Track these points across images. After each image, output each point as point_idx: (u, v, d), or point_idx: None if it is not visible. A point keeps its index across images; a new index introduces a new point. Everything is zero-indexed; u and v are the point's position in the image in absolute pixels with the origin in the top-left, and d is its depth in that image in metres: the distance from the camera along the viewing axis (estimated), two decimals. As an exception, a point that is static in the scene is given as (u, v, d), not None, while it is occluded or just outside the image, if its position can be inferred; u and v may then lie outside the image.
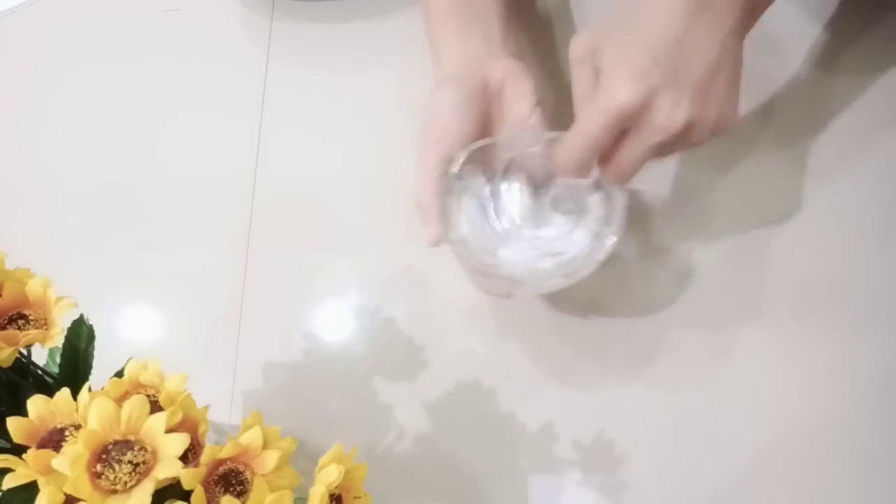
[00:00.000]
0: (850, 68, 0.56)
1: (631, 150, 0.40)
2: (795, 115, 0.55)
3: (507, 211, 0.45)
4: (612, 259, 0.43)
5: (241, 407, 0.52)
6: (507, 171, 0.46)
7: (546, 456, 0.48)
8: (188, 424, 0.31)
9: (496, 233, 0.45)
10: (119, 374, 0.34)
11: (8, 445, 0.30)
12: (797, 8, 0.57)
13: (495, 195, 0.46)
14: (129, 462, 0.27)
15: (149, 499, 0.27)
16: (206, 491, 0.30)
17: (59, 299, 0.34)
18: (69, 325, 0.38)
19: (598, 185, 0.44)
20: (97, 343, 0.39)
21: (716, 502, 0.46)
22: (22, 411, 0.30)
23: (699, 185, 0.54)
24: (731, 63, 0.39)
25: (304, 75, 0.64)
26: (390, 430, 0.50)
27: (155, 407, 0.30)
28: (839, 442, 0.46)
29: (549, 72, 0.59)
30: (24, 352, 0.36)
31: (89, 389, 0.30)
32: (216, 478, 0.31)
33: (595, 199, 0.44)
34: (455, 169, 0.44)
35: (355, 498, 0.34)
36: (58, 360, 0.38)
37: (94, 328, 0.39)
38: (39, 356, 0.39)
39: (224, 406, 0.52)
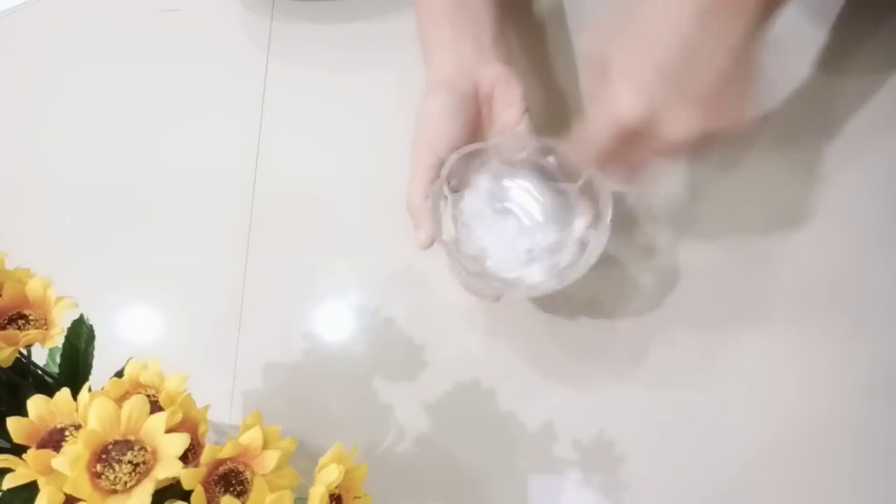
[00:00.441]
0: (850, 69, 0.56)
1: (637, 156, 0.40)
2: (795, 116, 0.55)
3: (496, 215, 0.45)
4: (612, 259, 0.43)
5: (241, 407, 0.52)
6: (497, 176, 0.46)
7: (546, 456, 0.48)
8: (188, 424, 0.31)
9: (487, 237, 0.45)
10: (119, 374, 0.34)
11: (8, 445, 0.30)
12: (797, 8, 0.57)
13: (486, 199, 0.46)
14: (129, 462, 0.27)
15: (149, 499, 0.27)
16: (206, 491, 0.30)
17: (59, 299, 0.34)
18: (69, 325, 0.38)
19: (585, 189, 0.45)
20: (97, 343, 0.39)
21: (716, 502, 0.46)
22: (22, 411, 0.30)
23: (698, 185, 0.54)
24: (745, 67, 0.38)
25: (304, 75, 0.64)
26: (390, 430, 0.50)
27: (155, 407, 0.30)
28: (839, 442, 0.46)
29: (541, 77, 0.59)
30: (24, 352, 0.36)
31: (89, 389, 0.30)
32: (216, 478, 0.31)
33: (583, 203, 0.45)
34: (445, 173, 0.44)
35: (355, 498, 0.34)
36: (58, 360, 0.38)
37: (94, 328, 0.39)
38: (39, 356, 0.39)
39: (224, 406, 0.52)
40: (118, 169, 0.62)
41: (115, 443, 0.28)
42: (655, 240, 0.53)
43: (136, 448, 0.28)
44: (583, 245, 0.44)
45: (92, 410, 0.28)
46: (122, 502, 0.27)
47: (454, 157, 0.45)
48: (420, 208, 0.45)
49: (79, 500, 0.27)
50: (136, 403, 0.29)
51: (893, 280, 0.50)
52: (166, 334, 0.56)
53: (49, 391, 0.31)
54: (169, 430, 0.29)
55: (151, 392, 0.32)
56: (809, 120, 0.55)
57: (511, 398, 0.50)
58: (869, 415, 0.47)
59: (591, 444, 0.48)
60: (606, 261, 0.43)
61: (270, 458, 0.31)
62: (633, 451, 0.47)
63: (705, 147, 0.39)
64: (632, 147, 0.39)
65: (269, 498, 0.30)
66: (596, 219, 0.44)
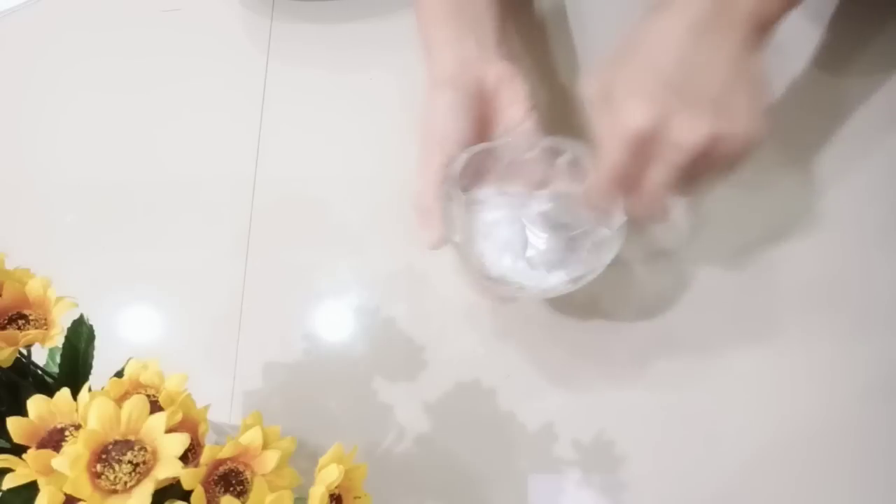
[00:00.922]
0: (850, 70, 0.56)
1: (656, 174, 0.39)
2: (795, 117, 0.55)
3: (507, 217, 0.45)
4: (614, 261, 0.43)
5: (241, 407, 0.52)
6: (507, 176, 0.46)
7: (546, 456, 0.48)
8: (188, 424, 0.31)
9: (498, 239, 0.45)
10: (119, 374, 0.34)
11: (8, 445, 0.30)
12: (797, 9, 0.57)
13: (496, 200, 0.46)
14: (129, 462, 0.27)
15: (149, 499, 0.27)
16: (206, 491, 0.30)
17: (59, 299, 0.34)
18: (69, 325, 0.38)
19: None
20: (97, 343, 0.39)
21: (716, 502, 0.46)
22: (22, 411, 0.30)
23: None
24: (747, 77, 0.38)
25: (304, 75, 0.64)
26: (390, 430, 0.50)
27: (155, 407, 0.30)
28: (839, 442, 0.46)
29: (544, 76, 0.59)
30: (24, 352, 0.36)
31: (89, 389, 0.30)
32: (216, 478, 0.31)
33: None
34: (457, 171, 0.44)
35: (355, 498, 0.34)
36: (58, 360, 0.38)
37: (94, 328, 0.39)
38: (39, 356, 0.39)
39: (224, 406, 0.52)
40: (118, 169, 0.62)
41: (115, 443, 0.28)
42: (656, 241, 0.53)
43: (136, 448, 0.28)
44: (597, 246, 0.44)
45: (92, 410, 0.28)
46: (122, 502, 0.27)
47: (464, 156, 0.44)
48: (431, 209, 0.44)
49: (79, 500, 0.27)
50: (136, 403, 0.29)
51: (893, 281, 0.50)
52: (166, 334, 0.56)
53: (49, 391, 0.31)
54: (169, 430, 0.29)
55: (151, 392, 0.32)
56: (809, 121, 0.55)
57: (511, 398, 0.50)
58: (869, 415, 0.47)
59: (591, 444, 0.48)
60: (608, 263, 0.43)
61: (270, 458, 0.31)
62: (633, 451, 0.47)
63: (724, 162, 0.39)
64: (649, 165, 0.39)
65: (269, 498, 0.30)
66: (609, 221, 0.44)
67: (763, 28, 0.39)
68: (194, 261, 0.57)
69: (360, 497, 0.34)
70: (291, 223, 0.58)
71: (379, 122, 0.60)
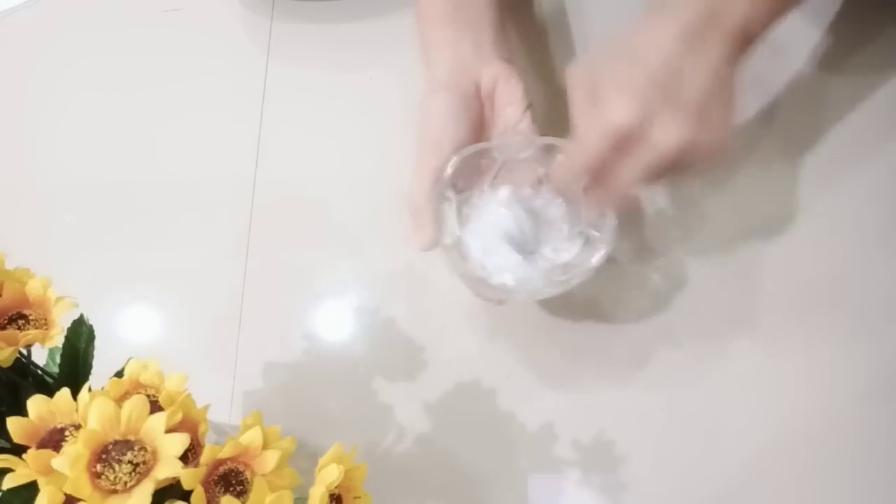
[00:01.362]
0: (849, 70, 0.56)
1: (626, 169, 0.40)
2: (795, 117, 0.55)
3: (499, 219, 0.45)
4: (612, 260, 0.43)
5: (241, 407, 0.52)
6: (500, 178, 0.46)
7: (546, 456, 0.48)
8: (188, 424, 0.31)
9: (489, 241, 0.45)
10: (119, 374, 0.34)
11: (8, 445, 0.30)
12: (797, 10, 0.57)
13: (489, 202, 0.46)
14: (129, 462, 0.27)
15: (149, 499, 0.27)
16: (206, 491, 0.30)
17: (59, 299, 0.34)
18: (69, 325, 0.38)
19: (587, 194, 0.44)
20: (97, 343, 0.39)
21: (715, 502, 0.46)
22: (22, 411, 0.30)
23: (698, 186, 0.54)
24: (724, 89, 0.40)
25: (304, 75, 0.64)
26: (390, 430, 0.50)
27: (155, 407, 0.30)
28: (839, 442, 0.46)
29: (543, 77, 0.59)
30: (24, 352, 0.36)
31: (89, 389, 0.30)
32: (216, 478, 0.31)
33: (588, 206, 0.44)
34: (448, 173, 0.44)
35: (355, 498, 0.34)
36: (58, 360, 0.38)
37: (94, 328, 0.39)
38: (39, 356, 0.39)
39: (224, 406, 0.52)
40: (118, 169, 0.62)
41: (115, 443, 0.28)
42: (655, 240, 0.53)
43: (136, 448, 0.28)
44: (587, 249, 0.44)
45: (92, 410, 0.28)
46: (122, 502, 0.27)
47: (457, 157, 0.44)
48: (423, 210, 0.44)
49: (79, 500, 0.27)
50: (136, 403, 0.29)
51: (893, 281, 0.50)
52: (166, 334, 0.56)
53: (49, 391, 0.31)
54: (169, 430, 0.29)
55: (151, 392, 0.32)
56: (809, 121, 0.55)
57: (511, 398, 0.50)
58: (869, 415, 0.47)
59: (591, 444, 0.48)
60: (606, 262, 0.43)
61: (270, 458, 0.31)
62: (633, 451, 0.47)
63: (686, 167, 0.40)
64: (622, 160, 0.40)
65: (269, 498, 0.30)
66: (599, 222, 0.44)
67: (747, 42, 0.40)
68: (194, 261, 0.57)
69: (360, 497, 0.34)
70: (291, 223, 0.58)
71: (379, 122, 0.60)
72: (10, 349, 0.32)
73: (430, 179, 0.44)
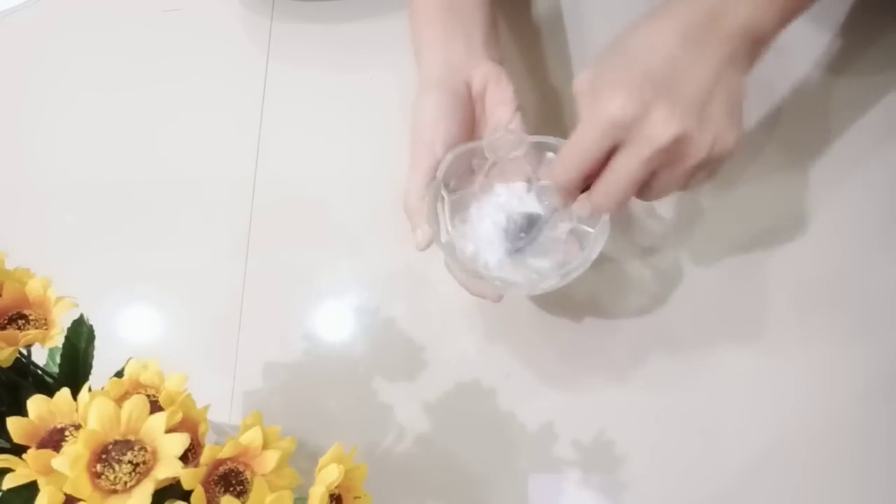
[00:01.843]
0: (850, 71, 0.56)
1: (621, 164, 0.39)
2: (795, 118, 0.55)
3: (493, 216, 0.45)
4: (612, 260, 0.43)
5: (241, 407, 0.52)
6: (493, 176, 0.46)
7: (546, 456, 0.48)
8: (188, 424, 0.31)
9: (484, 237, 0.45)
10: (119, 374, 0.34)
11: (8, 445, 0.30)
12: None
13: (483, 200, 0.46)
14: (129, 462, 0.27)
15: (149, 499, 0.27)
16: (206, 491, 0.30)
17: (59, 299, 0.34)
18: (69, 325, 0.38)
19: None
20: (97, 343, 0.39)
21: (715, 502, 0.46)
22: (22, 411, 0.30)
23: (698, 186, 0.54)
24: (727, 89, 0.39)
25: (304, 75, 0.64)
26: (390, 430, 0.50)
27: (155, 407, 0.30)
28: (839, 442, 0.46)
29: (537, 78, 0.59)
30: (24, 352, 0.36)
31: (89, 389, 0.30)
32: (216, 478, 0.31)
33: (580, 201, 0.44)
34: (441, 173, 0.44)
35: (355, 498, 0.34)
36: (58, 360, 0.38)
37: (94, 328, 0.39)
38: (39, 356, 0.39)
39: (224, 406, 0.52)
40: (118, 169, 0.62)
41: (115, 443, 0.28)
42: (655, 240, 0.53)
43: (136, 448, 0.28)
44: (583, 242, 0.44)
45: (92, 410, 0.28)
46: (122, 502, 0.27)
47: (449, 156, 0.45)
48: (417, 209, 0.45)
49: (79, 500, 0.27)
50: (136, 403, 0.29)
51: (893, 281, 0.50)
52: (166, 334, 0.56)
53: (49, 391, 0.31)
54: (169, 430, 0.29)
55: (151, 392, 0.32)
56: (810, 121, 0.55)
57: (511, 398, 0.50)
58: (869, 415, 0.47)
59: (591, 444, 0.48)
60: (606, 261, 0.43)
61: (270, 458, 0.31)
62: (632, 451, 0.47)
63: (689, 166, 0.39)
64: (617, 157, 0.39)
65: (269, 498, 0.30)
66: (594, 216, 0.44)
67: (753, 46, 0.40)
68: (194, 261, 0.57)
69: (360, 497, 0.34)
70: (291, 223, 0.58)
71: (379, 122, 0.60)
72: (10, 349, 0.32)
73: (424, 179, 0.45)
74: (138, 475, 0.28)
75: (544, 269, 0.44)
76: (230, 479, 0.31)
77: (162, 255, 0.58)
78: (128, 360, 0.33)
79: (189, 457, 0.30)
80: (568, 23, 0.62)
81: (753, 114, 0.55)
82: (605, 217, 0.43)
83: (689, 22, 0.39)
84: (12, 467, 0.28)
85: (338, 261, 0.56)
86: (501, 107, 0.47)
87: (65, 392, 0.31)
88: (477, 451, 0.49)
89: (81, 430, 0.28)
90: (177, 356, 0.34)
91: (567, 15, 0.62)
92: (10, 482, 0.28)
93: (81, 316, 0.39)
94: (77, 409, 0.30)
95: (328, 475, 0.32)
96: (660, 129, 0.37)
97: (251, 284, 0.56)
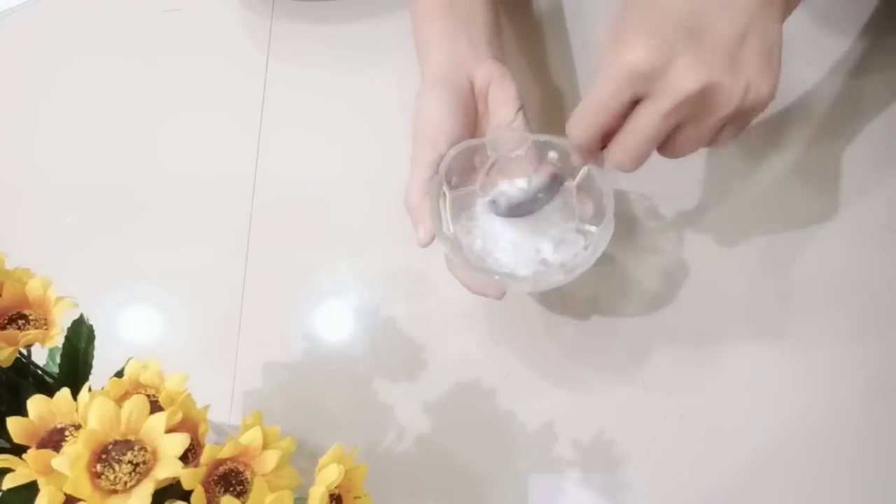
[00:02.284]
0: (850, 71, 0.56)
1: (642, 117, 0.36)
2: (797, 117, 0.55)
3: (496, 213, 0.45)
4: (612, 259, 0.43)
5: (241, 407, 0.52)
6: (496, 173, 0.46)
7: (546, 456, 0.48)
8: (188, 424, 0.31)
9: (488, 234, 0.45)
10: (119, 374, 0.34)
11: (8, 445, 0.30)
12: (803, 10, 0.57)
13: (485, 197, 0.46)
14: (129, 462, 0.27)
15: (149, 499, 0.27)
16: (206, 491, 0.30)
17: (59, 299, 0.34)
18: (69, 325, 0.38)
19: (584, 185, 0.44)
20: (97, 343, 0.39)
21: (715, 502, 0.46)
22: (22, 411, 0.30)
23: (698, 185, 0.54)
24: (762, 33, 0.36)
25: (304, 75, 0.64)
26: (390, 430, 0.50)
27: (155, 407, 0.30)
28: (839, 442, 0.46)
29: (539, 77, 0.59)
30: (24, 352, 0.36)
31: (89, 389, 0.30)
32: (216, 478, 0.31)
33: (583, 197, 0.44)
34: (443, 169, 0.44)
35: (355, 498, 0.34)
36: (58, 360, 0.38)
37: (94, 328, 0.39)
38: (39, 356, 0.39)
39: (224, 406, 0.52)
40: (118, 169, 0.62)
41: (115, 443, 0.28)
42: (655, 240, 0.53)
43: (136, 448, 0.28)
44: (587, 238, 0.44)
45: (92, 410, 0.28)
46: (122, 502, 0.27)
47: (452, 153, 0.44)
48: (419, 206, 0.44)
49: (79, 500, 0.27)
50: (136, 403, 0.29)
51: (893, 281, 0.50)
52: (166, 334, 0.56)
53: (49, 391, 0.31)
54: (169, 430, 0.29)
55: (151, 392, 0.32)
56: (810, 121, 0.55)
57: (511, 398, 0.50)
58: (869, 415, 0.47)
59: (591, 444, 0.48)
60: (606, 260, 0.43)
61: (270, 458, 0.31)
62: (633, 451, 0.47)
63: (721, 115, 0.36)
64: (639, 109, 0.36)
65: (269, 498, 0.30)
66: (598, 212, 0.44)
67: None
68: (194, 261, 0.57)
69: (360, 497, 0.34)
70: (291, 223, 0.58)
71: (379, 123, 0.60)
72: (10, 349, 0.32)
73: (426, 175, 0.44)
74: (138, 475, 0.28)
75: (549, 265, 0.44)
76: (230, 479, 0.31)
77: (162, 255, 0.58)
78: (128, 360, 0.33)
79: (189, 457, 0.30)
80: (569, 21, 0.62)
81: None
82: (610, 215, 0.42)
83: None
84: (12, 467, 0.28)
85: (338, 261, 0.56)
86: (504, 105, 0.46)
87: (65, 392, 0.31)
88: (477, 451, 0.49)
89: (81, 430, 0.28)
90: (177, 356, 0.34)
91: (569, 13, 0.62)
92: (10, 482, 0.28)
93: (81, 316, 0.39)
94: (77, 409, 0.30)
95: (328, 475, 0.32)
96: (685, 77, 0.34)
97: (251, 284, 0.56)
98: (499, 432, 0.49)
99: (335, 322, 0.55)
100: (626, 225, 0.53)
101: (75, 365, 0.38)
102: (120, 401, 0.29)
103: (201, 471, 0.29)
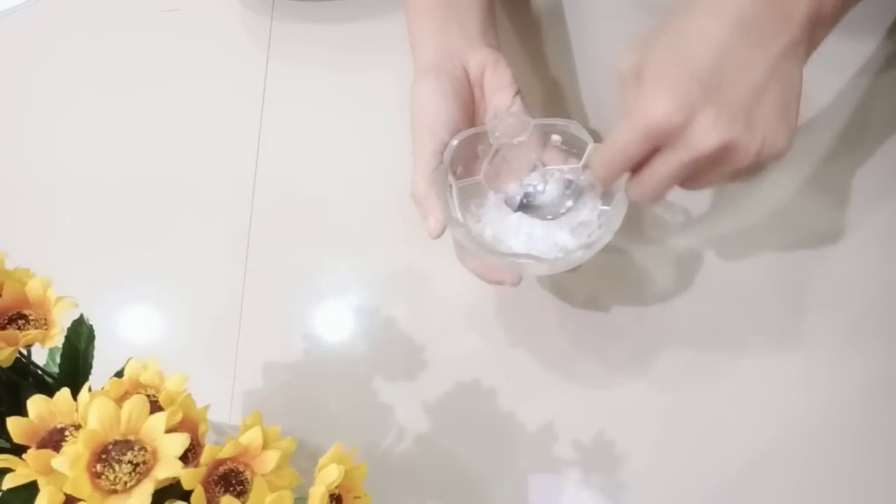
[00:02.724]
0: (850, 72, 0.56)
1: (661, 165, 0.37)
2: (801, 120, 0.55)
3: (505, 199, 0.45)
4: (612, 260, 0.43)
5: (241, 407, 0.52)
6: (495, 161, 0.46)
7: (546, 456, 0.48)
8: (188, 424, 0.31)
9: (498, 221, 0.45)
10: (119, 374, 0.34)
11: (8, 445, 0.30)
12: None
13: (492, 183, 0.46)
14: (129, 462, 0.27)
15: (149, 499, 0.27)
16: (206, 491, 0.30)
17: (59, 299, 0.34)
18: (69, 325, 0.38)
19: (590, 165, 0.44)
20: (97, 343, 0.39)
21: (716, 502, 0.46)
22: (22, 411, 0.30)
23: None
24: (782, 85, 0.37)
25: (304, 75, 0.64)
26: (390, 430, 0.50)
27: (155, 407, 0.30)
28: (839, 442, 0.46)
29: (538, 69, 0.59)
30: (24, 352, 0.36)
31: (89, 389, 0.30)
32: (216, 478, 0.31)
33: (591, 175, 0.44)
34: (447, 159, 0.44)
35: (355, 498, 0.34)
36: (58, 360, 0.38)
37: (94, 328, 0.39)
38: (39, 356, 0.39)
39: (224, 406, 0.52)
40: (118, 169, 0.62)
41: (115, 443, 0.28)
42: (655, 240, 0.53)
43: (136, 448, 0.28)
44: (600, 216, 0.43)
45: (92, 410, 0.28)
46: (122, 502, 0.27)
47: (455, 141, 0.44)
48: (426, 196, 0.43)
49: (79, 500, 0.27)
50: (136, 403, 0.29)
51: (893, 281, 0.50)
52: (166, 334, 0.56)
53: (49, 391, 0.31)
54: (169, 430, 0.29)
55: (151, 392, 0.32)
56: (811, 122, 0.55)
57: (511, 398, 0.50)
58: (869, 415, 0.47)
59: (591, 444, 0.48)
60: (606, 260, 0.43)
61: (270, 458, 0.31)
62: (633, 451, 0.47)
63: (738, 168, 0.37)
64: (658, 156, 0.38)
65: (269, 498, 0.30)
66: (607, 189, 0.43)
67: (814, 31, 0.37)
68: (194, 261, 0.57)
69: (360, 497, 0.34)
70: (291, 223, 0.58)
71: (378, 122, 0.60)
72: (10, 349, 0.32)
73: (430, 165, 0.44)
74: (138, 475, 0.28)
75: (570, 248, 0.43)
76: (230, 479, 0.31)
77: (162, 255, 0.58)
78: (128, 360, 0.33)
79: (189, 457, 0.30)
80: (568, 14, 0.62)
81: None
82: (622, 191, 0.41)
83: (745, 11, 0.36)
84: (12, 467, 0.28)
85: (338, 261, 0.56)
86: (501, 91, 0.46)
87: (65, 392, 0.31)
88: (477, 451, 0.49)
89: (81, 430, 0.28)
90: (177, 356, 0.34)
91: (567, 6, 0.62)
92: (10, 482, 0.28)
93: (81, 316, 0.39)
94: (77, 409, 0.30)
95: (328, 475, 0.32)
96: (705, 136, 0.36)
97: (251, 284, 0.56)
98: (499, 432, 0.49)
99: (335, 322, 0.55)
100: (625, 226, 0.53)
101: (75, 365, 0.38)
102: (120, 401, 0.29)
103: (201, 471, 0.29)
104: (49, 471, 0.27)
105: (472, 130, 0.45)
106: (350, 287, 0.55)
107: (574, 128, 0.44)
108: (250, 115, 0.62)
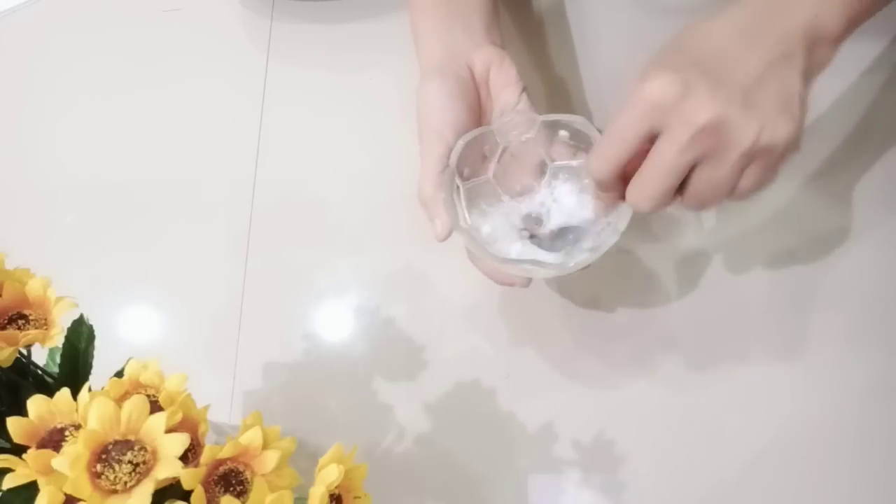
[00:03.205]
0: (851, 72, 0.56)
1: (658, 152, 0.37)
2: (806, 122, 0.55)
3: (513, 199, 0.45)
4: (615, 257, 0.43)
5: (241, 407, 0.52)
6: (503, 161, 0.46)
7: (546, 456, 0.48)
8: (188, 424, 0.31)
9: (506, 223, 0.45)
10: (119, 374, 0.34)
11: (8, 445, 0.30)
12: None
13: (500, 185, 0.46)
14: (129, 462, 0.27)
15: (149, 499, 0.27)
16: (206, 491, 0.30)
17: (59, 299, 0.34)
18: (69, 325, 0.38)
19: None
20: (97, 343, 0.39)
21: (715, 502, 0.46)
22: (22, 411, 0.30)
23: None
24: (780, 80, 0.37)
25: (304, 75, 0.64)
26: (390, 430, 0.50)
27: (155, 407, 0.30)
28: (839, 442, 0.46)
29: (541, 68, 0.59)
30: (24, 352, 0.36)
31: (89, 389, 0.30)
32: (216, 478, 0.31)
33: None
34: (454, 161, 0.44)
35: (355, 498, 0.34)
36: (58, 360, 0.38)
37: (94, 328, 0.39)
38: (39, 356, 0.39)
39: (224, 406, 0.52)
40: (118, 169, 0.62)
41: (115, 443, 0.28)
42: (655, 240, 0.53)
43: (136, 448, 0.28)
44: (608, 217, 0.43)
45: (92, 410, 0.28)
46: (122, 502, 0.27)
47: (461, 143, 0.44)
48: (433, 199, 0.43)
49: (79, 500, 0.27)
50: (136, 403, 0.29)
51: (893, 281, 0.50)
52: (166, 334, 0.56)
53: (49, 391, 0.31)
54: (169, 430, 0.29)
55: (151, 392, 0.32)
56: (814, 126, 0.55)
57: (511, 398, 0.50)
58: (869, 415, 0.47)
59: (591, 444, 0.48)
60: (608, 260, 0.43)
61: (270, 458, 0.31)
62: (633, 451, 0.47)
63: (735, 161, 0.36)
64: (656, 143, 0.37)
65: (269, 498, 0.30)
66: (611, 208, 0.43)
67: (812, 47, 0.38)
68: (194, 261, 0.57)
69: (360, 497, 0.34)
70: (291, 223, 0.58)
71: (379, 123, 0.60)
72: (10, 349, 0.32)
73: (437, 167, 0.43)
74: (138, 475, 0.28)
75: (574, 246, 0.43)
76: (230, 479, 0.31)
77: (162, 255, 0.58)
78: (128, 360, 0.33)
79: (189, 457, 0.30)
80: (570, 12, 0.62)
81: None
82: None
83: (746, 22, 0.38)
84: (12, 467, 0.28)
85: (338, 261, 0.56)
86: (506, 88, 0.46)
87: (65, 392, 0.31)
88: (477, 451, 0.49)
89: (81, 430, 0.28)
90: (177, 356, 0.34)
91: (568, 3, 0.62)
92: (10, 482, 0.28)
93: (81, 316, 0.39)
94: (77, 409, 0.30)
95: (328, 475, 0.32)
96: (699, 108, 0.35)
97: (251, 284, 0.56)
98: (499, 432, 0.49)
99: (335, 322, 0.55)
100: (630, 225, 0.53)
101: (75, 365, 0.38)
102: (120, 401, 0.29)
103: (201, 471, 0.29)
104: (49, 471, 0.27)
105: (478, 131, 0.45)
106: (350, 287, 0.55)
107: (581, 123, 0.44)
108: (250, 115, 0.62)
